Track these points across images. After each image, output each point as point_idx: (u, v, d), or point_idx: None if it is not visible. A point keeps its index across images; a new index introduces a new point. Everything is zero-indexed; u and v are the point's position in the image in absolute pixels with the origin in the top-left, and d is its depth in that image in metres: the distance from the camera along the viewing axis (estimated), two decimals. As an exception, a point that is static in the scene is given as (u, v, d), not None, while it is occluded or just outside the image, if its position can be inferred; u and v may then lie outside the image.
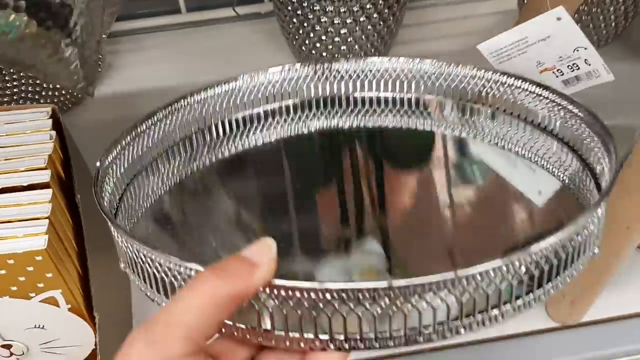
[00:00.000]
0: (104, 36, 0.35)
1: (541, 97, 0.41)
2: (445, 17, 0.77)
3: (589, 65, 0.43)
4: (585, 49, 0.42)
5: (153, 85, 0.71)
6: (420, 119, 0.46)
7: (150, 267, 0.30)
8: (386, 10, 0.62)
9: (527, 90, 0.41)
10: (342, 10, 0.61)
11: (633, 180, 0.39)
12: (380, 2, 0.61)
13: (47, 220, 0.37)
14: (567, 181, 0.41)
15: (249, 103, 0.47)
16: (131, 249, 0.32)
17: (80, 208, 0.43)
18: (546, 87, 0.40)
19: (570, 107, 0.41)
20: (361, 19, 0.62)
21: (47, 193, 0.39)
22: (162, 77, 0.72)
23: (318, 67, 0.46)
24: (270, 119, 0.47)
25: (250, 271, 0.25)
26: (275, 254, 0.26)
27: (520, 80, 0.41)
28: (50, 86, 0.64)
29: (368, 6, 0.61)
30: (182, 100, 0.45)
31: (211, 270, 0.25)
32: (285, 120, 0.47)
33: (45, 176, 0.39)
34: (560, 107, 0.41)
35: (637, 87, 0.69)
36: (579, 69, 0.43)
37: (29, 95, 0.63)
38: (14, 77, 0.61)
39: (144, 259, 0.30)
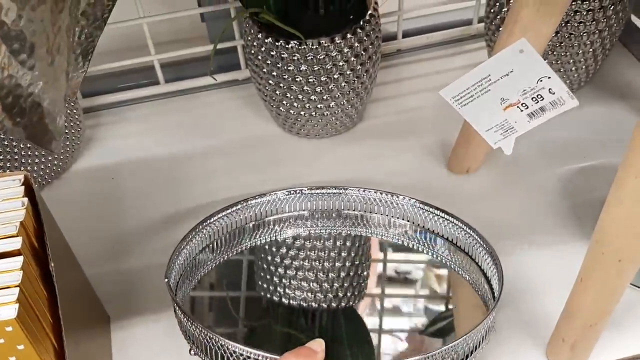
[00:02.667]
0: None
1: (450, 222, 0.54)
2: (419, 73, 0.78)
3: (553, 94, 0.43)
4: (549, 77, 0.42)
5: (135, 157, 0.71)
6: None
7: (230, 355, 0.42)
8: (359, 67, 0.63)
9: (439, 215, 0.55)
10: (315, 68, 0.62)
11: (621, 213, 0.39)
12: (353, 58, 0.62)
13: (17, 289, 0.36)
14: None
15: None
16: (211, 340, 0.43)
17: (55, 278, 0.41)
18: (452, 215, 0.54)
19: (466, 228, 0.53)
20: (335, 77, 0.63)
21: (18, 261, 0.37)
22: (143, 148, 0.72)
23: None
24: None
25: (314, 356, 0.42)
26: (324, 347, 0.43)
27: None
28: (29, 160, 0.64)
29: (341, 63, 0.62)
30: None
31: (291, 354, 0.42)
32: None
33: (16, 244, 0.38)
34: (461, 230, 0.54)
35: (611, 128, 0.70)
36: (543, 99, 0.44)
37: (5, 167, 0.63)
38: None
39: (223, 349, 0.42)
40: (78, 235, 0.53)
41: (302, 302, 0.53)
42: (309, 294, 0.53)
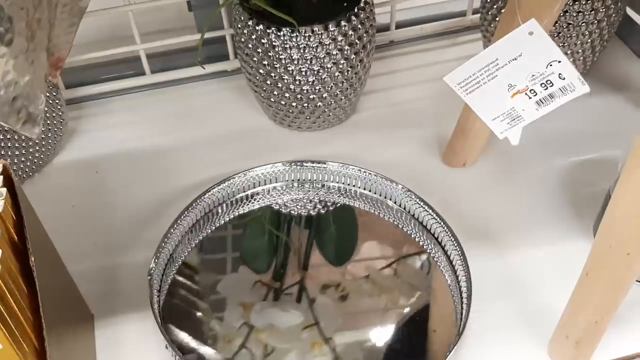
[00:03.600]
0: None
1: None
2: (413, 65, 0.76)
3: (563, 79, 0.41)
4: (559, 62, 0.40)
5: (119, 149, 0.68)
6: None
7: None
8: (353, 56, 0.61)
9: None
10: (308, 57, 0.60)
11: (629, 205, 0.37)
12: (346, 47, 0.60)
13: (-6, 284, 0.34)
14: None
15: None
16: None
17: (35, 273, 0.39)
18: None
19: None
20: (328, 66, 0.61)
21: (-5, 254, 0.35)
22: (128, 140, 0.69)
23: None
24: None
25: None
26: None
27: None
28: (9, 152, 0.61)
29: (335, 52, 0.60)
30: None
31: None
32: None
33: (-7, 236, 0.36)
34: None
35: (609, 120, 0.68)
36: (552, 85, 0.42)
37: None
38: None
39: None
40: (60, 230, 0.51)
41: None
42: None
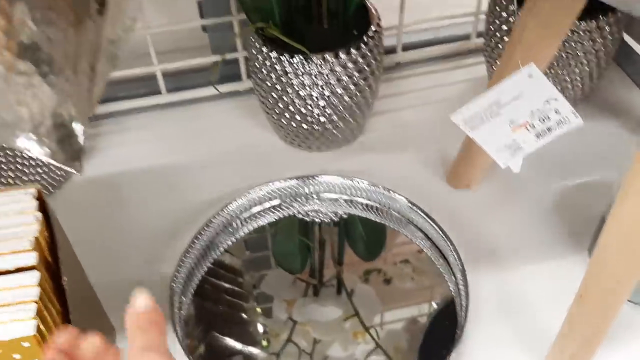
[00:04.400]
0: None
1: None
2: (419, 87, 0.79)
3: (559, 114, 0.45)
4: (556, 99, 0.44)
5: (136, 166, 0.71)
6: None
7: None
8: (362, 81, 0.64)
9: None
10: (319, 83, 0.63)
11: (622, 232, 0.40)
12: (356, 73, 0.63)
13: (35, 305, 0.37)
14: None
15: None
16: None
17: (67, 292, 0.42)
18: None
19: None
20: (338, 91, 0.64)
21: (34, 276, 0.38)
22: (144, 157, 0.72)
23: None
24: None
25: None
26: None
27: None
28: (32, 170, 0.64)
29: (344, 78, 0.63)
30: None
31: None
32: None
33: (31, 259, 0.39)
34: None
35: (607, 145, 0.71)
36: (549, 119, 0.45)
37: (10, 179, 0.63)
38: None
39: None
40: (81, 245, 0.54)
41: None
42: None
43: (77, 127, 0.32)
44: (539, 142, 0.46)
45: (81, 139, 0.33)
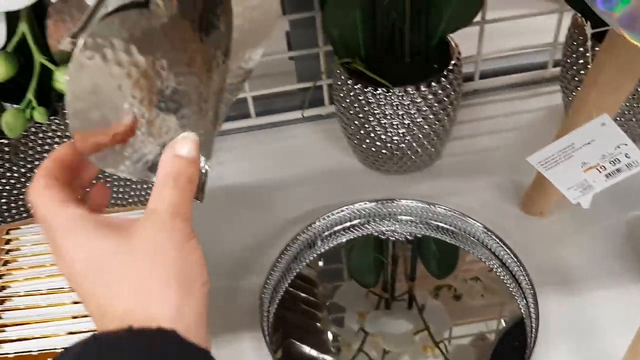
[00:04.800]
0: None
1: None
2: (495, 114, 0.82)
3: (629, 157, 0.48)
4: (626, 144, 0.46)
5: (227, 183, 0.78)
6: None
7: None
8: (441, 112, 0.68)
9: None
10: (400, 112, 0.67)
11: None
12: (435, 104, 0.67)
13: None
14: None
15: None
16: None
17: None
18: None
19: None
20: (418, 120, 0.67)
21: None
22: (235, 175, 0.79)
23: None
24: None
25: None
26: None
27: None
28: (120, 182, 0.71)
29: (424, 108, 0.67)
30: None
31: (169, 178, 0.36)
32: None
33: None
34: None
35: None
36: (619, 162, 0.48)
37: (131, 199, 0.70)
38: (126, 182, 0.68)
39: None
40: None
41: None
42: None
43: (203, 163, 0.37)
44: (608, 181, 0.49)
45: (205, 173, 0.38)
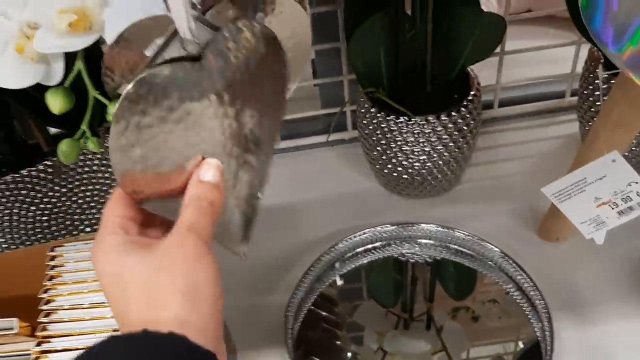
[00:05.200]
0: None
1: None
2: (513, 141, 0.85)
3: (640, 196, 0.50)
4: (637, 182, 0.49)
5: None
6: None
7: None
8: (461, 139, 0.71)
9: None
10: (421, 140, 0.70)
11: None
12: (455, 132, 0.70)
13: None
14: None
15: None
16: None
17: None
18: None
19: None
20: (438, 147, 0.70)
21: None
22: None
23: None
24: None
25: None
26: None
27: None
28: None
29: (445, 137, 0.70)
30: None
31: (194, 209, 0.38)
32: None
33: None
34: None
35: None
36: (631, 200, 0.50)
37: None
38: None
39: None
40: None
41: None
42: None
43: (260, 195, 0.41)
44: (621, 219, 0.52)
45: (254, 210, 0.41)
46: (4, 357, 0.51)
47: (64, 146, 0.41)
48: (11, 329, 0.50)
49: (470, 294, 0.69)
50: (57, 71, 0.42)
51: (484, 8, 0.67)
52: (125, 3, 0.39)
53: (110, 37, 0.40)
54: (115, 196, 0.37)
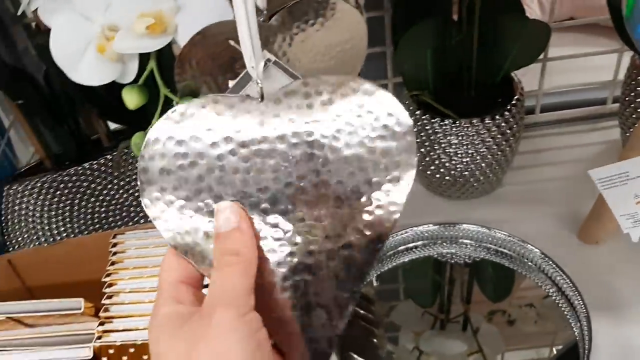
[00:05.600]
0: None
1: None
2: (555, 146, 0.86)
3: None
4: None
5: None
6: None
7: None
8: (503, 143, 0.73)
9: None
10: (465, 143, 0.72)
11: None
12: (498, 136, 0.72)
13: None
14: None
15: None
16: None
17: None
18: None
19: None
20: (481, 150, 0.72)
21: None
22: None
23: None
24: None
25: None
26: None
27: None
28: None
29: (488, 140, 0.72)
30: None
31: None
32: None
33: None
34: None
35: None
36: None
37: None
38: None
39: None
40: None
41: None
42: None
43: None
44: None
45: None
46: (71, 334, 0.55)
47: (137, 139, 0.45)
48: (78, 308, 0.53)
49: (507, 297, 0.70)
50: (132, 70, 0.46)
51: (527, 15, 0.69)
52: (197, 8, 0.43)
53: (182, 40, 0.44)
54: (167, 257, 0.34)
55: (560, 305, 0.67)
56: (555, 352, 0.64)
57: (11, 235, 0.74)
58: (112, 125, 0.77)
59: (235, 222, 0.32)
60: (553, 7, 0.79)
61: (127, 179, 0.74)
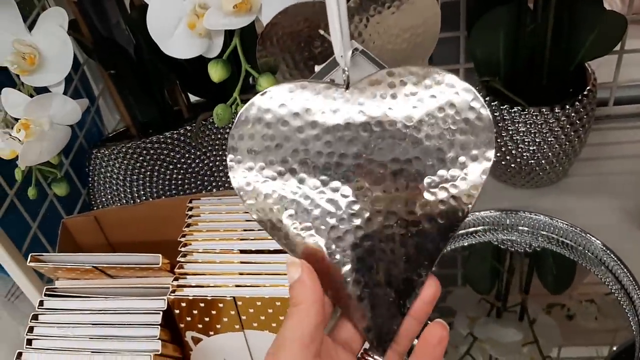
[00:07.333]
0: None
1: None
2: (625, 140, 0.85)
3: None
4: None
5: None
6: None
7: None
8: (572, 133, 0.72)
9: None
10: (532, 131, 0.72)
11: None
12: (567, 126, 0.72)
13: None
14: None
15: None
16: None
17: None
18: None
19: None
20: (549, 139, 0.73)
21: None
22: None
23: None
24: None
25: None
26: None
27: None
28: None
29: (557, 129, 0.72)
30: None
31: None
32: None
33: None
34: None
35: None
36: None
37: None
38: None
39: None
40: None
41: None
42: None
43: None
44: None
45: None
46: (148, 287, 0.60)
47: (219, 110, 0.48)
48: (156, 263, 0.58)
49: (567, 289, 0.70)
50: (217, 45, 0.49)
51: (607, 6, 0.68)
52: (281, -11, 0.45)
53: (265, 18, 0.47)
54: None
55: (622, 302, 0.66)
56: (615, 348, 0.63)
57: (96, 195, 0.80)
58: (193, 98, 0.82)
59: (295, 276, 0.35)
60: (632, 0, 0.78)
61: (204, 150, 0.79)
